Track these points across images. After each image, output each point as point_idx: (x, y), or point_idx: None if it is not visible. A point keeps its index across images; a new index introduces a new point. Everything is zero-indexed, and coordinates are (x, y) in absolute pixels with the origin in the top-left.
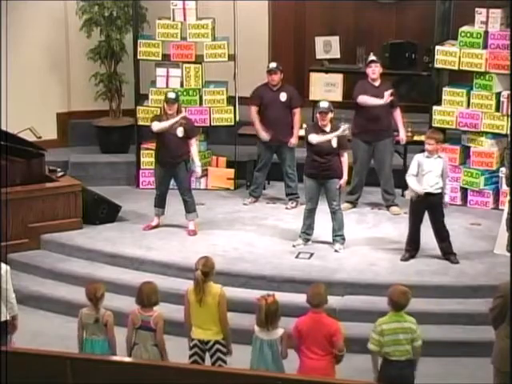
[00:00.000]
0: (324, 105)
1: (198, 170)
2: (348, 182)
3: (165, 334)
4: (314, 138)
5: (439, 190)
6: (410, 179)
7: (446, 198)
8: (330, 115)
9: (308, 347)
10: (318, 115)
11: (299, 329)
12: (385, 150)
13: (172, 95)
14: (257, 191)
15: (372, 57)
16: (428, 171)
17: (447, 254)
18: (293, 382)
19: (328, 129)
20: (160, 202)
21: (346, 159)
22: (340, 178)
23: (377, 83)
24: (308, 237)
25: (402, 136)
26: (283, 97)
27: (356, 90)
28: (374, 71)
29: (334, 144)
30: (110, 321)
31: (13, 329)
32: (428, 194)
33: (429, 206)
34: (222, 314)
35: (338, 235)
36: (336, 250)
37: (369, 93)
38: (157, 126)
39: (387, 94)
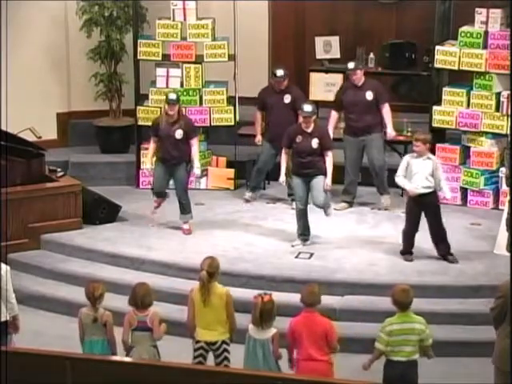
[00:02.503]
0: (308, 109)
1: (197, 171)
2: (340, 182)
3: (165, 334)
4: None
5: (430, 190)
6: (399, 180)
7: (448, 195)
8: (314, 117)
9: (305, 349)
10: (302, 119)
11: (293, 329)
12: (372, 144)
13: (173, 96)
14: (256, 191)
15: (350, 64)
16: (416, 172)
17: (444, 254)
18: (293, 382)
19: (310, 130)
20: (159, 194)
21: (330, 159)
22: (323, 174)
23: (360, 83)
24: (306, 237)
25: (390, 131)
26: (287, 99)
27: (335, 98)
28: (356, 79)
29: (315, 145)
30: (110, 321)
31: (15, 329)
32: (420, 195)
33: (423, 206)
34: (230, 314)
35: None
36: (328, 214)
37: (350, 94)
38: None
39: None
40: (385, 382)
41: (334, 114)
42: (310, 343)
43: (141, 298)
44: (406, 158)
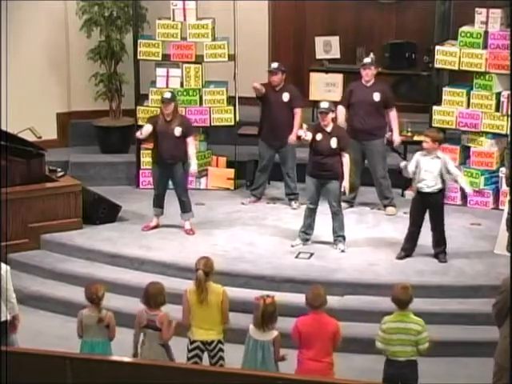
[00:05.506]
0: (324, 105)
1: (194, 167)
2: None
3: None
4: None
5: (436, 190)
6: (405, 170)
7: (468, 189)
8: (331, 115)
9: (311, 349)
10: (319, 115)
11: (300, 329)
12: (374, 151)
13: (167, 95)
14: (258, 191)
15: (366, 59)
16: (425, 170)
17: (439, 252)
18: (293, 382)
19: (329, 129)
20: (158, 203)
21: (347, 160)
22: (339, 179)
23: (369, 84)
24: (307, 236)
25: (396, 138)
26: (286, 97)
27: (343, 95)
28: (368, 74)
29: (334, 145)
30: (112, 322)
31: (13, 329)
32: (426, 194)
33: (428, 205)
34: (225, 311)
35: (339, 236)
36: (342, 251)
37: (357, 94)
38: (144, 131)
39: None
40: (384, 382)
41: (341, 108)
42: (318, 345)
43: (152, 296)
44: (416, 154)
